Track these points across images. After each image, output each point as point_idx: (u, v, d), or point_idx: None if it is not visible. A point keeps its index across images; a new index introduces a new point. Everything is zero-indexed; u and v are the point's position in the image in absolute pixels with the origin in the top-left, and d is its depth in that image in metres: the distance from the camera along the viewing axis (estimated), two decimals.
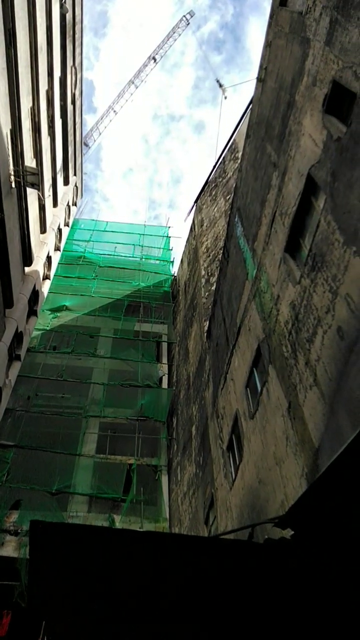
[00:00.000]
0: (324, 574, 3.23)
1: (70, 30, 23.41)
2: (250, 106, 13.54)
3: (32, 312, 22.14)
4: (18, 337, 19.94)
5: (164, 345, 27.84)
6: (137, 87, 45.18)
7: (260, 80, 11.27)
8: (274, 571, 3.25)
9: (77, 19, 24.49)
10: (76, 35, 24.87)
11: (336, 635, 3.45)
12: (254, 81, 11.96)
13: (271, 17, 10.54)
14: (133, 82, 45.03)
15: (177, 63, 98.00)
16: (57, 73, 21.77)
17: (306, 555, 3.18)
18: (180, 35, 45.80)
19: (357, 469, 2.91)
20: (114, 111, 45.13)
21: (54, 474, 19.34)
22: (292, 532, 3.18)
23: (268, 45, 10.72)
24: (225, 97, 42.36)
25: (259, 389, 9.06)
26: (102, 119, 44.92)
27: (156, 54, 45.26)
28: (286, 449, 7.12)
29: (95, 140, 44.48)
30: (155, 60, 45.22)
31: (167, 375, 25.50)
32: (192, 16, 45.66)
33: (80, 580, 3.31)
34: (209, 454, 13.39)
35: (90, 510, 19.23)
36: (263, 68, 11.01)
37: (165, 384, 24.88)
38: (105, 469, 20.25)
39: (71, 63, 24.74)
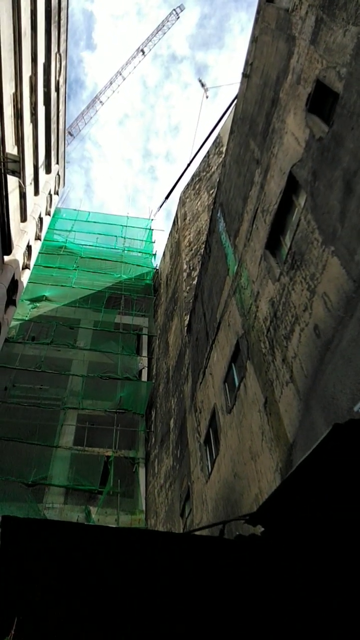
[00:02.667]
0: (293, 570, 3.30)
1: (55, 16, 22.94)
2: (235, 101, 13.52)
3: (10, 301, 21.82)
4: None
5: (144, 338, 27.79)
6: (124, 79, 44.65)
7: (245, 75, 11.26)
8: (245, 567, 3.31)
9: (63, 4, 24.02)
10: (61, 22, 24.39)
11: (306, 630, 3.54)
12: (237, 81, 11.94)
13: (258, 12, 10.52)
14: (121, 74, 44.47)
15: None
16: (41, 59, 21.33)
17: (275, 552, 3.24)
18: (169, 28, 45.37)
19: (328, 466, 2.98)
20: (100, 101, 44.58)
21: (31, 465, 19.20)
22: (263, 529, 3.24)
23: (254, 40, 10.70)
24: (207, 97, 41.84)
25: (237, 384, 9.14)
26: (87, 109, 44.32)
27: (145, 46, 44.74)
28: (262, 444, 7.22)
29: (80, 130, 43.87)
30: (143, 52, 44.70)
31: (146, 368, 25.49)
32: (182, 10, 45.25)
33: (51, 577, 3.31)
34: (186, 447, 13.48)
35: (66, 502, 19.17)
36: (249, 64, 11.00)
37: (144, 377, 24.88)
38: (82, 461, 20.19)
39: (56, 49, 24.28)
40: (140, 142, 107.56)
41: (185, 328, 17.22)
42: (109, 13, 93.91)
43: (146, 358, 26.31)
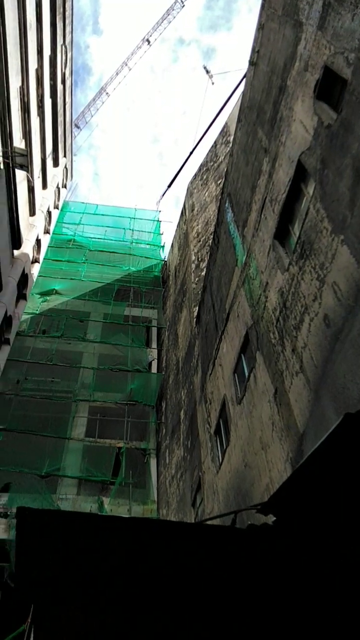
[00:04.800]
0: (305, 560, 3.32)
1: (60, 8, 22.80)
2: (242, 89, 13.38)
3: (21, 295, 21.98)
4: (7, 320, 19.82)
5: (154, 330, 27.85)
6: (130, 70, 44.30)
7: (252, 63, 11.13)
8: (256, 556, 3.33)
9: None
10: (66, 13, 24.24)
11: (318, 621, 3.57)
12: (244, 65, 11.80)
13: None
14: (126, 64, 44.12)
15: None
16: (47, 51, 21.26)
17: (287, 541, 3.26)
18: (174, 17, 44.83)
19: (339, 456, 2.98)
20: (107, 93, 44.31)
21: (44, 457, 19.44)
22: (274, 518, 3.25)
23: (261, 27, 10.55)
24: (213, 84, 41.19)
25: (247, 374, 9.14)
26: (94, 100, 44.09)
27: (150, 35, 44.28)
28: (272, 434, 7.23)
29: (87, 122, 43.72)
30: (149, 42, 44.25)
31: (156, 360, 25.57)
32: None
33: (66, 567, 3.36)
34: (196, 438, 13.54)
35: (79, 492, 19.41)
36: (255, 51, 10.86)
37: (154, 369, 24.97)
38: (94, 452, 20.39)
39: (61, 41, 24.17)
40: (148, 128, 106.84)
41: (195, 319, 17.22)
42: None
43: (156, 350, 26.39)
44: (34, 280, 24.94)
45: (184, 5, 44.20)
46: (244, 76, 13.36)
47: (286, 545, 3.34)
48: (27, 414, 20.76)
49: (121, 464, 19.63)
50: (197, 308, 17.21)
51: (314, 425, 5.82)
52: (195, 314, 17.22)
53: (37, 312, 25.75)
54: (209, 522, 6.36)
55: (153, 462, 20.53)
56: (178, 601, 3.49)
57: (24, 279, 21.86)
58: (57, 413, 21.39)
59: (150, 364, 25.08)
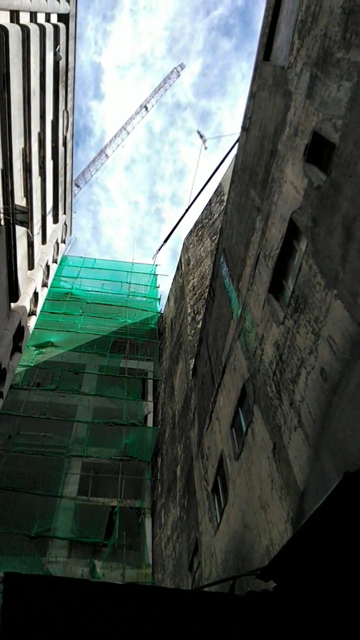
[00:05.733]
0: (307, 629, 3.13)
1: (63, 76, 24.35)
2: (235, 153, 14.09)
3: (16, 348, 21.91)
4: (1, 373, 19.63)
5: (150, 383, 27.62)
6: (128, 134, 46.67)
7: (244, 129, 11.76)
8: (256, 625, 3.13)
9: (70, 65, 25.53)
10: (69, 81, 25.84)
11: None
12: (237, 129, 12.48)
13: (255, 69, 11.12)
14: (125, 129, 46.52)
15: (186, 48, 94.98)
16: (49, 116, 22.46)
17: (288, 608, 3.08)
18: (171, 85, 47.90)
19: (340, 517, 2.88)
20: (106, 155, 46.39)
21: (34, 516, 18.64)
22: (275, 584, 3.10)
23: (252, 96, 11.25)
24: (206, 148, 43.46)
25: (244, 429, 8.98)
26: (93, 162, 46.04)
27: (147, 102, 47.06)
28: (271, 492, 7.01)
29: (86, 182, 45.43)
30: (146, 108, 46.95)
31: (152, 414, 25.17)
32: (182, 68, 47.95)
33: (56, 638, 3.15)
34: (193, 496, 13.08)
35: (70, 555, 18.45)
36: (247, 117, 11.51)
37: (150, 422, 24.53)
38: (86, 511, 19.59)
39: (63, 107, 25.59)
40: (147, 186, 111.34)
41: (191, 372, 17.12)
42: (116, 64, 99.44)
43: (152, 403, 26.03)
44: (30, 332, 24.96)
45: (179, 75, 47.33)
46: (237, 141, 14.08)
47: (287, 613, 3.16)
48: (18, 471, 20.12)
49: (114, 524, 18.83)
50: (193, 360, 17.16)
51: (314, 483, 5.65)
52: (192, 366, 17.14)
53: (32, 365, 25.58)
54: (206, 589, 6.02)
55: (148, 522, 19.71)
56: None
57: (20, 331, 21.88)
58: (49, 469, 20.73)
59: (146, 418, 24.67)
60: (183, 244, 29.84)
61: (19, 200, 18.18)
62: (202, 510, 11.85)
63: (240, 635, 3.23)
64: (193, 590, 6.36)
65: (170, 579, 14.40)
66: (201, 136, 42.69)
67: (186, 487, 14.43)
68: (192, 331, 20.09)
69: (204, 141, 42.34)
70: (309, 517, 2.69)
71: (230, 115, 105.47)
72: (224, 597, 3.48)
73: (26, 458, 20.83)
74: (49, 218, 26.43)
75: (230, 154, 27.71)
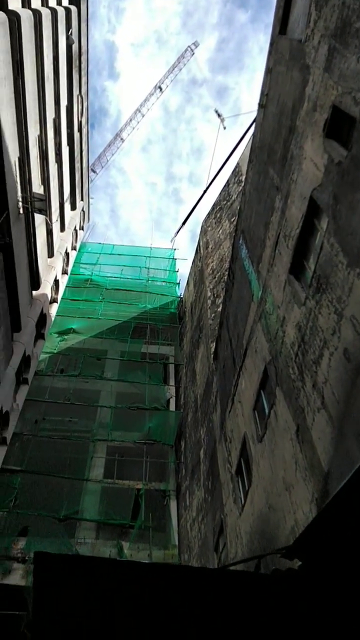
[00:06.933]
0: (333, 606, 3.13)
1: (76, 60, 24.13)
2: (252, 132, 13.80)
3: (39, 335, 22.25)
4: (26, 360, 20.00)
5: (171, 367, 27.74)
6: (143, 116, 46.20)
7: (261, 106, 11.49)
8: (282, 603, 3.15)
9: (83, 49, 25.28)
10: (82, 65, 25.62)
11: None
12: (255, 105, 12.20)
13: (271, 44, 10.80)
14: (140, 111, 46.05)
15: (201, 22, 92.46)
16: (63, 102, 22.36)
17: (314, 586, 3.09)
18: (185, 65, 47.04)
19: None
20: (121, 139, 46.11)
21: (62, 499, 19.10)
22: (300, 563, 3.10)
23: (269, 71, 10.96)
24: (225, 128, 42.50)
25: (267, 411, 8.96)
26: (109, 146, 45.84)
27: (162, 83, 46.38)
28: (295, 474, 7.00)
29: (103, 167, 45.31)
30: (161, 89, 46.31)
31: (174, 398, 25.32)
32: (196, 46, 46.98)
33: (86, 615, 3.23)
34: (217, 479, 13.19)
35: (98, 536, 18.89)
36: (264, 94, 11.23)
37: (172, 407, 24.70)
38: (113, 494, 19.97)
39: (77, 92, 25.43)
40: (164, 166, 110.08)
41: (212, 355, 17.12)
42: (130, 42, 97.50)
43: (174, 387, 26.19)
44: (52, 319, 25.29)
45: (193, 53, 46.40)
46: (254, 120, 13.78)
47: (312, 591, 3.17)
48: (45, 455, 20.58)
49: (140, 506, 19.15)
50: (214, 344, 17.14)
51: (338, 464, 5.61)
52: (213, 350, 17.13)
53: (55, 352, 25.96)
54: (232, 568, 6.10)
55: (173, 504, 19.98)
56: None
57: (42, 319, 22.18)
58: (74, 454, 21.15)
59: (168, 402, 24.84)
60: (201, 227, 29.60)
61: (37, 188, 18.25)
62: (226, 492, 11.95)
63: (265, 612, 3.26)
64: (219, 569, 6.46)
65: (197, 560, 14.63)
66: (219, 115, 41.84)
67: (210, 469, 14.55)
68: (212, 315, 20.03)
69: (222, 120, 41.50)
70: (333, 496, 2.68)
71: (248, 90, 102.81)
72: (250, 575, 3.52)
73: (52, 443, 21.29)
74: (67, 205, 26.50)
75: (248, 133, 27.12)
